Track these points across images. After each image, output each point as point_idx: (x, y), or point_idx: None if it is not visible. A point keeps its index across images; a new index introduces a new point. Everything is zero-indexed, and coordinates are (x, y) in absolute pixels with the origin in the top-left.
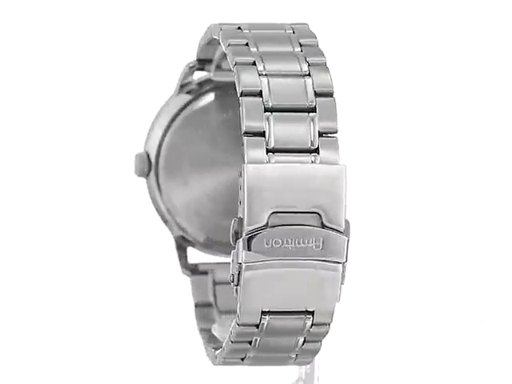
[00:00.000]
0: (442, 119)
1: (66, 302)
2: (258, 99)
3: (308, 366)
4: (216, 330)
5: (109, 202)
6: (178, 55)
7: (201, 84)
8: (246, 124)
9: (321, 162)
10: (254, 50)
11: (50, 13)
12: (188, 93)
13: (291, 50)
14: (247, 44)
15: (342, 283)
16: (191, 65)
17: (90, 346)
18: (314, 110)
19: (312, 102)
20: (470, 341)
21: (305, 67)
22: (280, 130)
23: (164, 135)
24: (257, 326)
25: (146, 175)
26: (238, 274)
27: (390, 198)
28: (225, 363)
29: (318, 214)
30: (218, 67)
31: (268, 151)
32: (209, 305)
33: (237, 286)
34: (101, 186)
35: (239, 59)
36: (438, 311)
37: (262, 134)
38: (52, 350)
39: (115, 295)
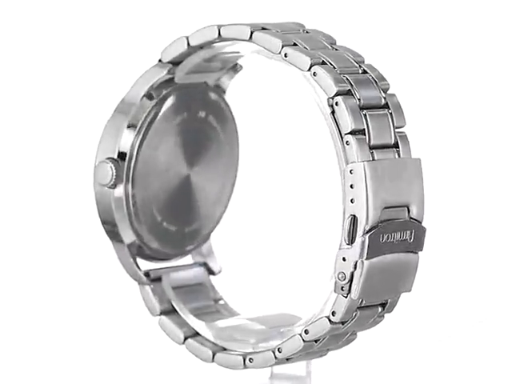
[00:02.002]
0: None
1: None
2: (352, 98)
3: (305, 363)
4: (210, 335)
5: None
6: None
7: (160, 87)
8: (352, 123)
9: (401, 156)
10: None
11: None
12: (150, 97)
13: (329, 48)
14: (295, 44)
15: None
16: (168, 68)
17: (78, 357)
18: (386, 105)
19: (382, 97)
20: (470, 341)
21: (356, 64)
22: (373, 127)
23: (137, 144)
24: (343, 322)
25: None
26: (352, 272)
27: None
28: (265, 365)
29: (407, 207)
30: (189, 70)
31: (369, 148)
32: (173, 311)
33: (347, 283)
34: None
35: (313, 60)
36: (438, 311)
37: (363, 132)
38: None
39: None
